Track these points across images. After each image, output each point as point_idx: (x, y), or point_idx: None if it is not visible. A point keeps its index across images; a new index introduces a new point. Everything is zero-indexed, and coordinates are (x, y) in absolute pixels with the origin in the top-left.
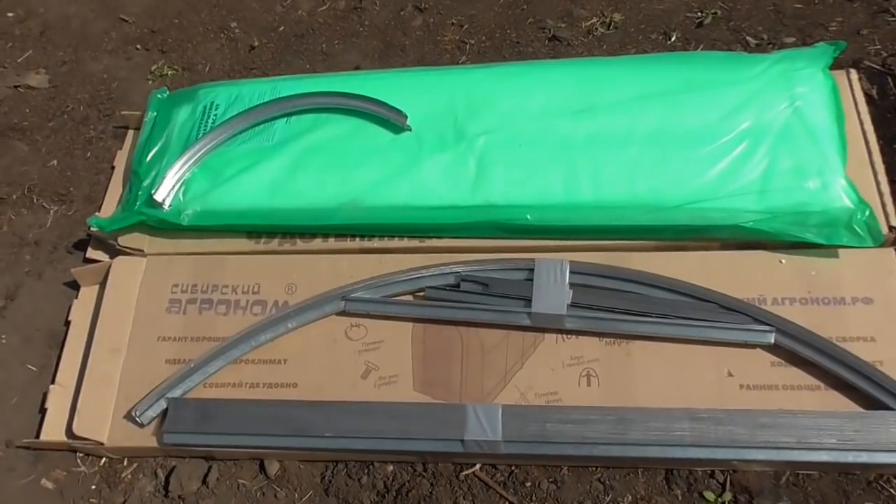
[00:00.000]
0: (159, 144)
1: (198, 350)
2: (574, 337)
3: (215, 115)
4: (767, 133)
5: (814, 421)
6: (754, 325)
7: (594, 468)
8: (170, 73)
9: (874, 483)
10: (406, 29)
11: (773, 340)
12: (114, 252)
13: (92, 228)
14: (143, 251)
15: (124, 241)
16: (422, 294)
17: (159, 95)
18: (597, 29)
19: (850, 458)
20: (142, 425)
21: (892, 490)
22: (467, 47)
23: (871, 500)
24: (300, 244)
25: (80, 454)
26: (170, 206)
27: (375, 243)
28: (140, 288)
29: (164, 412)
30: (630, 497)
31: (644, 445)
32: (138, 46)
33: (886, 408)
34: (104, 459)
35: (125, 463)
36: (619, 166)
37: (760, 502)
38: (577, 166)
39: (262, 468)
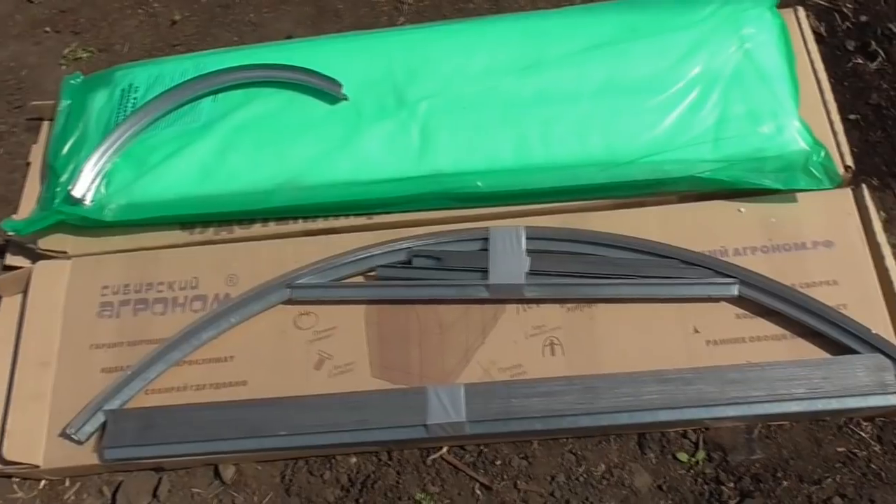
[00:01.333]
0: (76, 135)
1: (135, 355)
2: (535, 306)
3: (135, 98)
4: (718, 78)
5: (782, 371)
6: (717, 278)
7: (565, 440)
8: (84, 55)
9: (844, 428)
10: None
11: (736, 292)
12: (35, 256)
13: (7, 233)
14: (66, 253)
15: (45, 243)
16: (373, 274)
17: (72, 81)
18: None
19: (821, 405)
20: (80, 442)
21: (861, 433)
22: (405, 7)
23: (843, 444)
24: (238, 231)
25: (17, 479)
26: (91, 201)
27: (320, 224)
28: (66, 293)
29: (104, 426)
30: (604, 466)
31: (613, 413)
32: (48, 29)
33: (853, 352)
34: (43, 482)
35: (67, 483)
36: (570, 124)
37: (734, 458)
38: (525, 127)
39: (217, 474)
